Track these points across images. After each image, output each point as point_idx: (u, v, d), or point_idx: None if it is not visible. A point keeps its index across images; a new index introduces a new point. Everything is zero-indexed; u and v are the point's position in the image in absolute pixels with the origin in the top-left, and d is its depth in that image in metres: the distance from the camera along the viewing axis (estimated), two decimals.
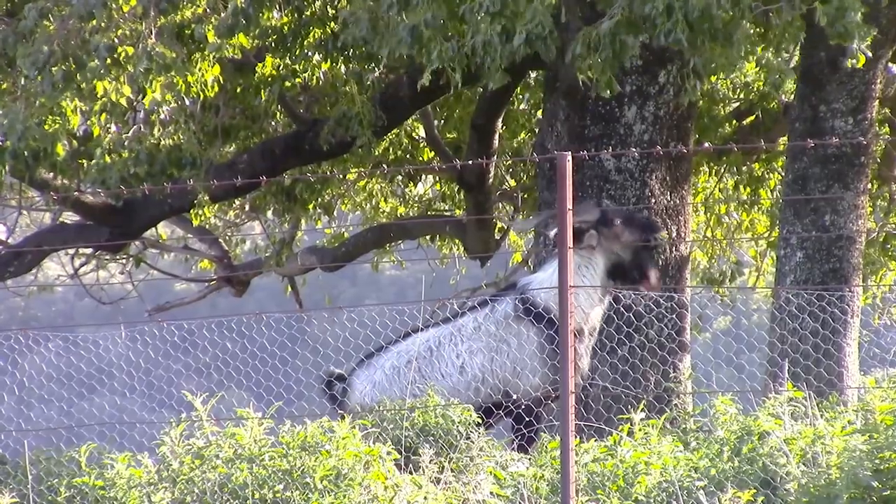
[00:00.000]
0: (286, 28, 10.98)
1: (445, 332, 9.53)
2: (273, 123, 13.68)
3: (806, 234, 10.50)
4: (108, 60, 9.92)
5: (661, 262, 10.69)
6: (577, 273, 9.37)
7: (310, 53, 11.12)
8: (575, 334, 9.15)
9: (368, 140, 11.61)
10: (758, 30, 9.76)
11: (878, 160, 14.57)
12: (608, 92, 9.12)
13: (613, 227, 9.45)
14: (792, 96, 11.26)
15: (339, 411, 9.21)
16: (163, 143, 11.35)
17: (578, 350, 9.33)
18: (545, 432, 8.83)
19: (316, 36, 11.00)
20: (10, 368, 10.40)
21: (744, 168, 15.25)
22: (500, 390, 9.27)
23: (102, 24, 9.95)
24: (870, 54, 8.86)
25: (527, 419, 9.30)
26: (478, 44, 9.07)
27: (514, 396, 9.29)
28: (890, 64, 12.66)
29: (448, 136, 15.11)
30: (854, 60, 8.89)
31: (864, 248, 11.52)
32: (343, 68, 11.98)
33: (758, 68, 12.85)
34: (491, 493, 7.71)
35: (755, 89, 14.18)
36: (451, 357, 9.47)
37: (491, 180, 14.31)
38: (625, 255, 9.50)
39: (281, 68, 11.98)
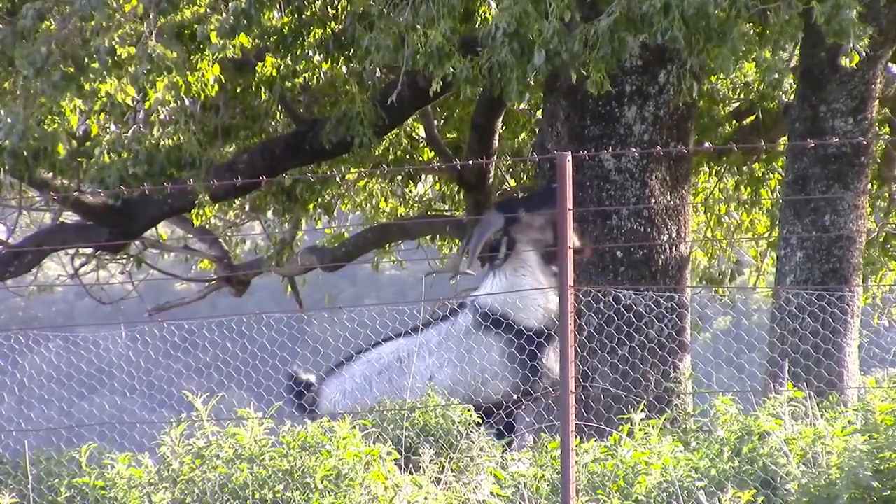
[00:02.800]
0: (286, 28, 10.97)
1: (412, 344, 9.62)
2: (273, 123, 13.67)
3: (806, 234, 10.50)
4: (110, 62, 9.92)
5: (661, 262, 10.70)
6: (517, 276, 9.50)
7: (310, 53, 11.12)
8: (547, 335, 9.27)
9: (369, 140, 11.61)
10: (756, 29, 9.76)
11: (878, 160, 14.57)
12: (598, 91, 9.13)
13: (522, 221, 9.57)
14: (792, 96, 11.25)
15: (308, 419, 9.26)
16: (162, 143, 11.35)
17: (549, 354, 9.41)
18: (545, 432, 8.83)
19: (316, 36, 11.00)
20: (10, 368, 10.40)
21: (744, 168, 15.26)
22: (470, 399, 9.32)
23: (103, 24, 9.94)
24: (864, 53, 8.86)
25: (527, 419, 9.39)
26: (494, 64, 9.10)
27: (486, 406, 9.35)
28: (890, 64, 12.66)
29: (448, 136, 15.11)
30: (848, 59, 8.90)
31: (864, 248, 11.53)
32: (344, 68, 11.97)
33: (757, 68, 12.86)
34: (491, 493, 7.71)
35: (755, 89, 14.18)
36: (420, 369, 9.54)
37: (491, 180, 14.32)
38: (548, 236, 9.63)
39: (281, 68, 11.98)
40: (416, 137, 15.15)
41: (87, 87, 10.04)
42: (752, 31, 9.60)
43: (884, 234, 15.06)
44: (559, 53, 8.95)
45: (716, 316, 15.42)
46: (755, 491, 7.23)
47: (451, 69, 9.33)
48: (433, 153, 14.97)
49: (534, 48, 8.96)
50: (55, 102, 10.26)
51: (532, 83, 9.26)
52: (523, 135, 15.07)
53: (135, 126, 11.40)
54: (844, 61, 9.03)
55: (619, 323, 10.17)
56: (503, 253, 9.56)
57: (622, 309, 10.20)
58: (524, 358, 9.36)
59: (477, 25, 10.13)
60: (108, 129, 11.30)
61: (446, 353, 9.51)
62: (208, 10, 10.28)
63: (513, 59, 9.03)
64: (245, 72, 12.16)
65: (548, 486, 7.66)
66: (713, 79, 13.78)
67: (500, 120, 13.94)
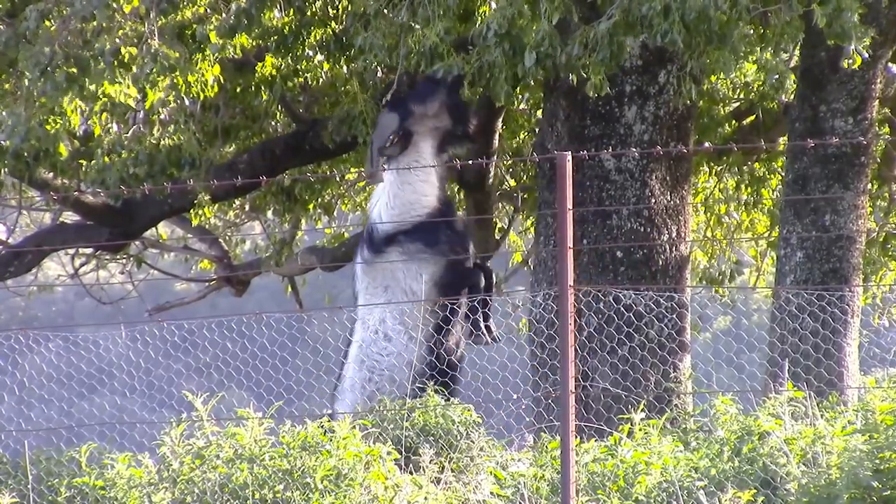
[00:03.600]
0: (287, 28, 10.97)
1: (357, 328, 9.74)
2: (273, 123, 13.66)
3: (806, 234, 10.50)
4: (114, 63, 9.92)
5: (661, 262, 10.70)
6: (409, 174, 9.63)
7: (311, 53, 11.11)
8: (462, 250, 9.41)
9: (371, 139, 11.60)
10: (756, 30, 9.76)
11: (878, 160, 14.57)
12: (597, 93, 9.14)
13: (416, 113, 9.70)
14: (792, 96, 11.27)
15: None
16: (162, 143, 11.35)
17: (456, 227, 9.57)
18: (545, 432, 8.83)
19: (317, 36, 10.99)
20: (10, 368, 10.41)
21: (744, 168, 15.25)
22: (439, 316, 9.45)
23: (104, 25, 9.94)
24: (866, 55, 8.86)
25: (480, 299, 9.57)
26: (485, 64, 9.11)
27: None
28: (890, 64, 12.66)
29: None
30: (850, 61, 8.91)
31: (864, 248, 11.53)
32: (344, 68, 11.97)
33: (757, 69, 12.86)
34: (491, 493, 7.72)
35: (755, 89, 14.17)
36: (378, 339, 9.63)
37: (491, 180, 14.31)
38: (444, 120, 9.80)
39: (281, 68, 11.97)
40: None
41: (90, 87, 10.04)
42: (752, 33, 9.60)
43: (884, 234, 15.06)
44: (550, 56, 8.96)
45: (716, 316, 15.44)
46: (755, 491, 7.24)
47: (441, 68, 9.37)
48: None
49: (524, 50, 8.97)
50: (56, 103, 10.26)
51: (527, 83, 9.28)
52: (523, 135, 15.05)
53: (135, 126, 11.40)
54: (847, 64, 9.03)
55: (619, 323, 10.17)
56: (399, 146, 9.76)
57: (622, 309, 10.20)
58: (430, 251, 9.52)
59: (477, 25, 10.14)
60: (109, 130, 11.30)
61: (376, 313, 9.65)
62: (208, 10, 10.29)
63: (503, 60, 9.04)
64: (245, 72, 12.15)
65: (548, 486, 7.67)
66: (713, 78, 13.77)
67: (500, 120, 13.94)
